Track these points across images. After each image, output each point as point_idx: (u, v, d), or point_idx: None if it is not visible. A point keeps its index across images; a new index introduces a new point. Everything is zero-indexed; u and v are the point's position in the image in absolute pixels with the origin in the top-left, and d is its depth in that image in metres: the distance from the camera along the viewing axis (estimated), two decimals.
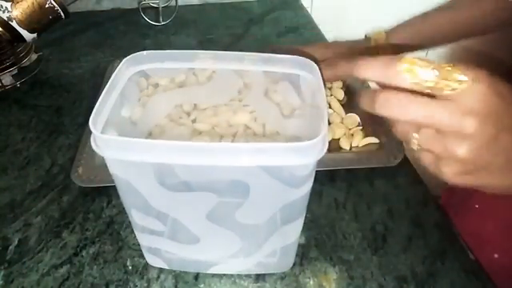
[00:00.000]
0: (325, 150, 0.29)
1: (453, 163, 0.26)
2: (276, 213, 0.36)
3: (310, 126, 0.39)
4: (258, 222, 0.37)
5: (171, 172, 0.32)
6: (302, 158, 0.29)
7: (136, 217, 0.37)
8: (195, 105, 0.45)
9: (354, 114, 0.58)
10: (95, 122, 0.30)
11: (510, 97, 0.25)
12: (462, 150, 0.25)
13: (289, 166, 0.31)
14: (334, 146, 0.53)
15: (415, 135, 0.27)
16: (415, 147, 0.27)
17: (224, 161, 0.29)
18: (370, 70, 0.26)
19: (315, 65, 0.36)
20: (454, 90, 0.24)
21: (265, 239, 0.38)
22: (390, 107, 0.26)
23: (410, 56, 0.25)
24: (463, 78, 0.24)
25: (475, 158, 0.25)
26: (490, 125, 0.25)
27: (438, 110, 0.25)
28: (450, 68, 0.24)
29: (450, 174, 0.27)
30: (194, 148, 0.28)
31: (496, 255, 0.50)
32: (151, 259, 0.42)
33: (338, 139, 0.54)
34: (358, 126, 0.57)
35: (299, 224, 0.38)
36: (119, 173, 0.32)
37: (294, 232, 0.39)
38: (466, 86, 0.24)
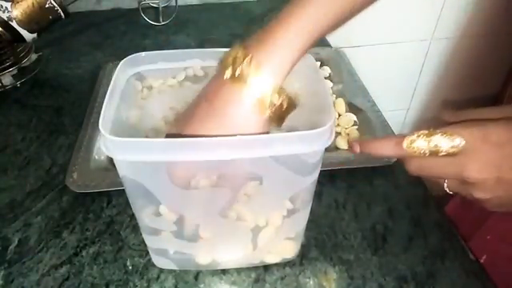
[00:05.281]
0: (333, 136, 0.30)
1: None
2: (286, 202, 0.36)
3: (308, 116, 0.39)
4: (269, 213, 0.37)
5: None
6: (314, 145, 0.30)
7: (146, 219, 0.36)
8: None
9: (350, 114, 0.58)
10: (105, 125, 0.29)
11: (504, 142, 0.29)
12: (478, 195, 0.31)
13: (301, 155, 0.31)
14: (331, 145, 0.53)
15: (445, 183, 0.32)
16: (447, 190, 0.33)
17: (239, 154, 0.29)
18: (385, 149, 0.33)
19: (309, 55, 0.36)
20: (449, 153, 0.29)
21: (274, 228, 0.38)
22: (421, 172, 0.32)
23: (409, 133, 0.31)
24: (456, 143, 0.29)
25: (491, 199, 0.31)
26: (490, 172, 0.29)
27: (447, 171, 0.31)
28: (441, 134, 0.29)
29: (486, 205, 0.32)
30: (208, 143, 0.28)
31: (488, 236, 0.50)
32: (158, 260, 0.41)
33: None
34: (354, 125, 0.57)
35: (307, 212, 0.39)
36: (131, 175, 0.32)
37: (301, 220, 0.39)
38: (461, 148, 0.29)
